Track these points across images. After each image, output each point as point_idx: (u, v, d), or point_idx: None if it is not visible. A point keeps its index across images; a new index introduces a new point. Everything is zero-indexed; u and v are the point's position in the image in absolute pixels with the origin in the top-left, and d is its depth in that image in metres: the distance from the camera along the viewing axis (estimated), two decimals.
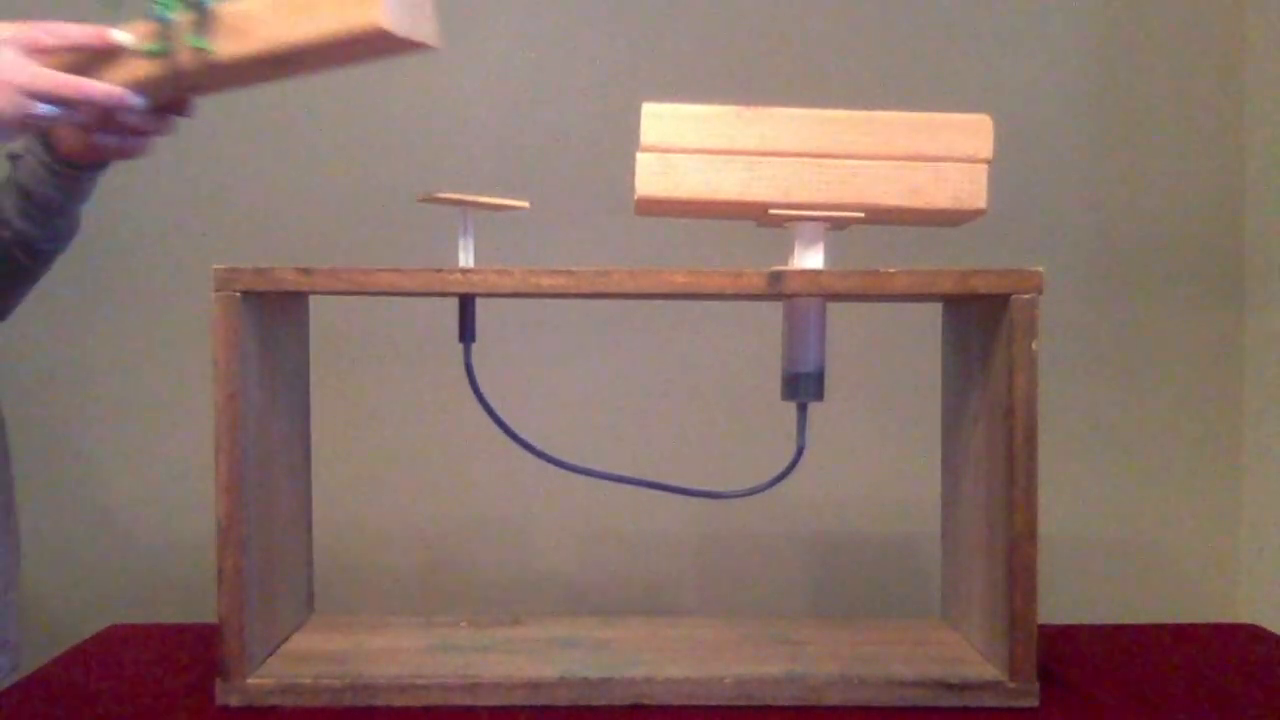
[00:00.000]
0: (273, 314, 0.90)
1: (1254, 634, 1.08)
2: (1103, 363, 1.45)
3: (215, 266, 0.83)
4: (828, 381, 0.92)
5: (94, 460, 1.45)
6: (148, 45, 0.79)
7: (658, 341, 1.44)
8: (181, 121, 0.88)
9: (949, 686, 0.85)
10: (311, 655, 0.92)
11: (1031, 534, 0.84)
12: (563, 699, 0.85)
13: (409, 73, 1.24)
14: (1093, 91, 1.44)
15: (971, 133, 0.86)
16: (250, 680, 0.85)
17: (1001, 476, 0.86)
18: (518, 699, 0.85)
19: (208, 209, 1.42)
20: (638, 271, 0.83)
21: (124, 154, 0.89)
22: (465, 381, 0.96)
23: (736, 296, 0.88)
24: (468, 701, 0.85)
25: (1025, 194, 1.41)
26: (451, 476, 1.44)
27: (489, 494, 1.45)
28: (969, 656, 0.92)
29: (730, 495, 0.98)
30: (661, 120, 0.85)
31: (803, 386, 0.92)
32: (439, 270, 0.84)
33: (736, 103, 0.85)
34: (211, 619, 0.85)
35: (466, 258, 0.88)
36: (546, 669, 0.87)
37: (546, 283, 0.83)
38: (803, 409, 0.94)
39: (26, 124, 0.79)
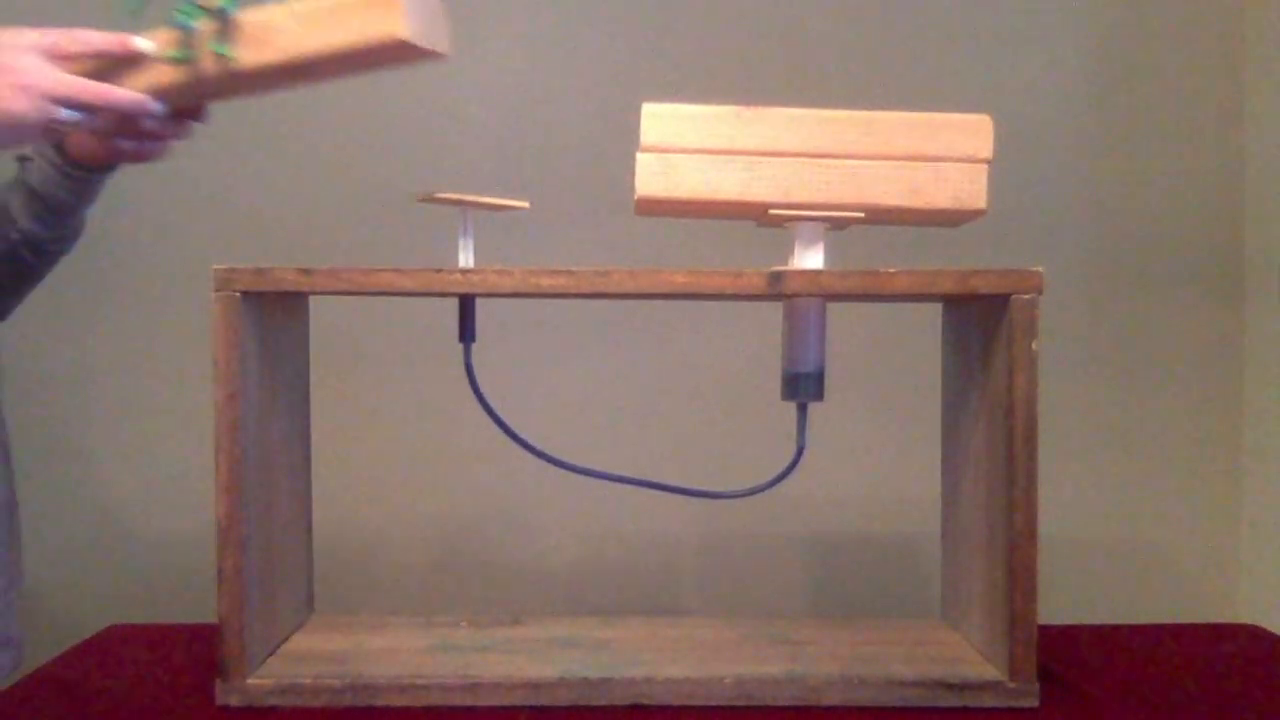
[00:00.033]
0: (273, 314, 0.90)
1: (1254, 634, 1.08)
2: (1103, 363, 1.45)
3: (215, 266, 0.83)
4: (828, 381, 0.92)
5: (94, 460, 1.45)
6: (170, 52, 0.80)
7: (658, 341, 1.44)
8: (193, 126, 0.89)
9: (949, 686, 0.85)
10: (311, 655, 0.92)
11: (1031, 534, 0.84)
12: (563, 699, 0.85)
13: (409, 73, 1.23)
14: (1093, 91, 1.44)
15: (971, 133, 0.86)
16: (250, 680, 0.85)
17: (1001, 476, 0.86)
18: (518, 699, 0.85)
19: (208, 209, 1.42)
20: (638, 271, 0.83)
21: (139, 158, 0.91)
22: (465, 381, 0.96)
23: (736, 296, 0.88)
24: (468, 701, 0.85)
25: (1025, 194, 1.41)
26: (451, 476, 1.44)
27: (489, 494, 1.45)
28: (969, 656, 0.92)
29: (730, 495, 0.98)
30: (661, 120, 0.85)
31: (803, 386, 0.92)
32: (439, 270, 0.84)
33: (736, 103, 0.85)
34: (211, 619, 0.85)
35: (466, 258, 0.88)
36: (546, 669, 0.87)
37: (546, 283, 0.83)
38: (803, 409, 0.94)
39: (50, 129, 0.80)
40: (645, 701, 0.85)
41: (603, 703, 0.85)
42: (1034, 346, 0.83)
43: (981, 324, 0.90)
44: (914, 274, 0.83)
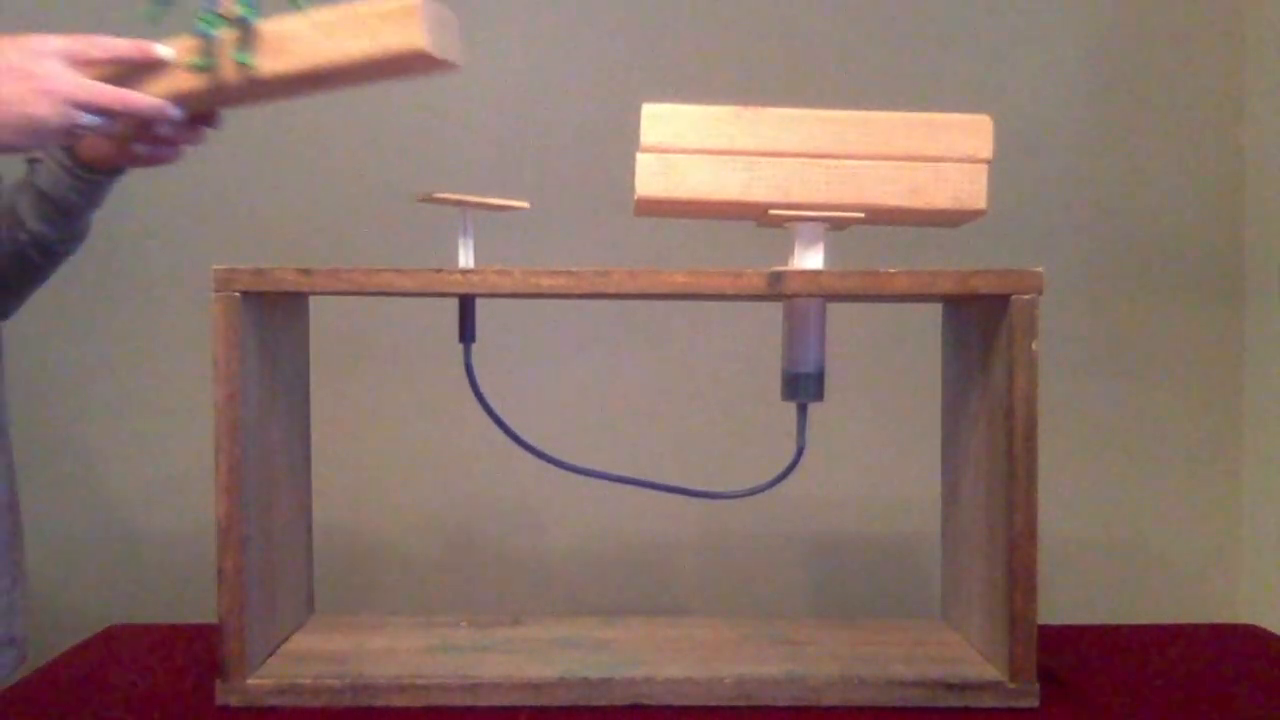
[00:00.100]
0: (273, 314, 0.90)
1: (1254, 634, 1.08)
2: (1103, 363, 1.45)
3: (215, 266, 0.83)
4: (828, 381, 0.92)
5: (94, 460, 1.45)
6: (191, 60, 0.82)
7: (658, 341, 1.44)
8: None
9: (949, 687, 0.85)
10: (311, 655, 0.92)
11: (1031, 534, 0.84)
12: (563, 699, 0.85)
13: None
14: (1093, 91, 1.44)
15: (971, 133, 0.86)
16: (250, 680, 0.85)
17: (1001, 476, 0.86)
18: (518, 699, 0.85)
19: (208, 209, 1.42)
20: (638, 271, 0.83)
21: (152, 161, 0.92)
22: (465, 381, 0.96)
23: (736, 296, 0.88)
24: (468, 701, 0.85)
25: (1025, 194, 1.42)
26: (451, 476, 1.44)
27: (489, 494, 1.45)
28: (969, 656, 0.92)
29: (730, 495, 0.98)
30: (661, 120, 0.85)
31: (803, 386, 0.92)
32: (439, 270, 0.84)
33: (736, 103, 0.85)
34: (211, 619, 0.85)
35: (466, 258, 0.88)
36: (546, 669, 0.87)
37: (546, 283, 0.83)
38: (803, 409, 0.94)
39: (71, 133, 0.82)
40: (645, 701, 0.85)
41: (603, 703, 0.85)
42: (1034, 346, 0.83)
43: (981, 324, 0.90)
44: (914, 274, 0.83)
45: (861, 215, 0.86)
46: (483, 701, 0.85)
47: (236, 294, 0.82)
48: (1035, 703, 0.85)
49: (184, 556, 1.42)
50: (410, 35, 0.76)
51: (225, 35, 0.81)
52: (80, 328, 1.43)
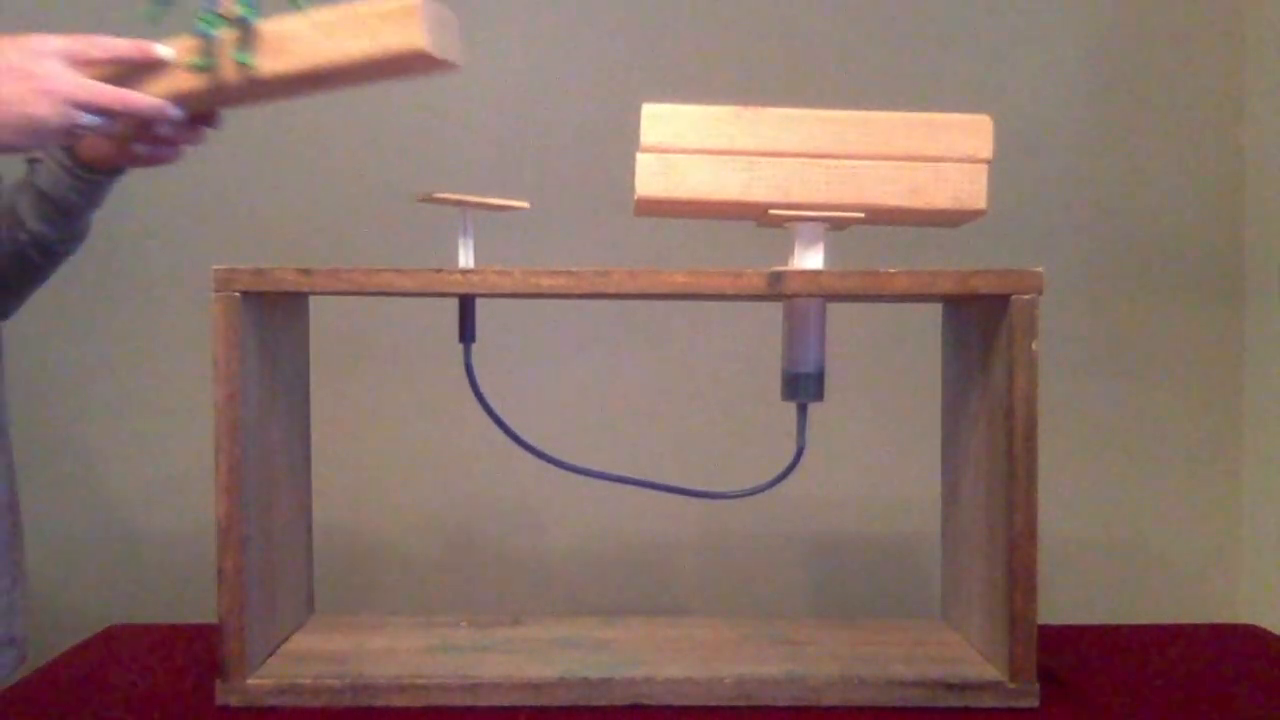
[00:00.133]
0: (273, 314, 0.90)
1: (1254, 634, 1.08)
2: (1103, 363, 1.45)
3: (215, 266, 0.83)
4: (828, 381, 0.92)
5: (94, 460, 1.45)
6: (192, 60, 0.82)
7: (658, 341, 1.44)
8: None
9: (949, 687, 0.85)
10: (311, 655, 0.92)
11: (1031, 534, 0.84)
12: (563, 699, 0.85)
13: None
14: (1093, 91, 1.44)
15: (971, 133, 0.86)
16: (250, 680, 0.85)
17: (1001, 476, 0.86)
18: (518, 699, 0.85)
19: (208, 209, 1.42)
20: (638, 271, 0.83)
21: (152, 161, 0.92)
22: (465, 381, 0.96)
23: (736, 296, 0.88)
24: (468, 701, 0.85)
25: (1025, 194, 1.41)
26: (451, 477, 1.44)
27: (489, 494, 1.45)
28: (969, 656, 0.92)
29: (730, 495, 0.98)
30: (661, 120, 0.85)
31: (803, 386, 0.92)
32: (439, 270, 0.84)
33: (736, 103, 0.85)
34: (211, 619, 0.85)
35: (466, 258, 0.88)
36: (546, 669, 0.87)
37: (546, 283, 0.83)
38: (803, 409, 0.94)
39: (71, 133, 0.82)
40: (645, 701, 0.85)
41: (603, 703, 0.85)
42: (1034, 346, 0.83)
43: (981, 324, 0.90)
44: (914, 274, 0.83)
45: (861, 215, 0.86)
46: (483, 701, 0.85)
47: (236, 294, 0.82)
48: (1035, 703, 0.85)
49: (184, 556, 1.42)
50: (410, 35, 0.76)
51: (225, 35, 0.81)
52: (80, 328, 1.43)
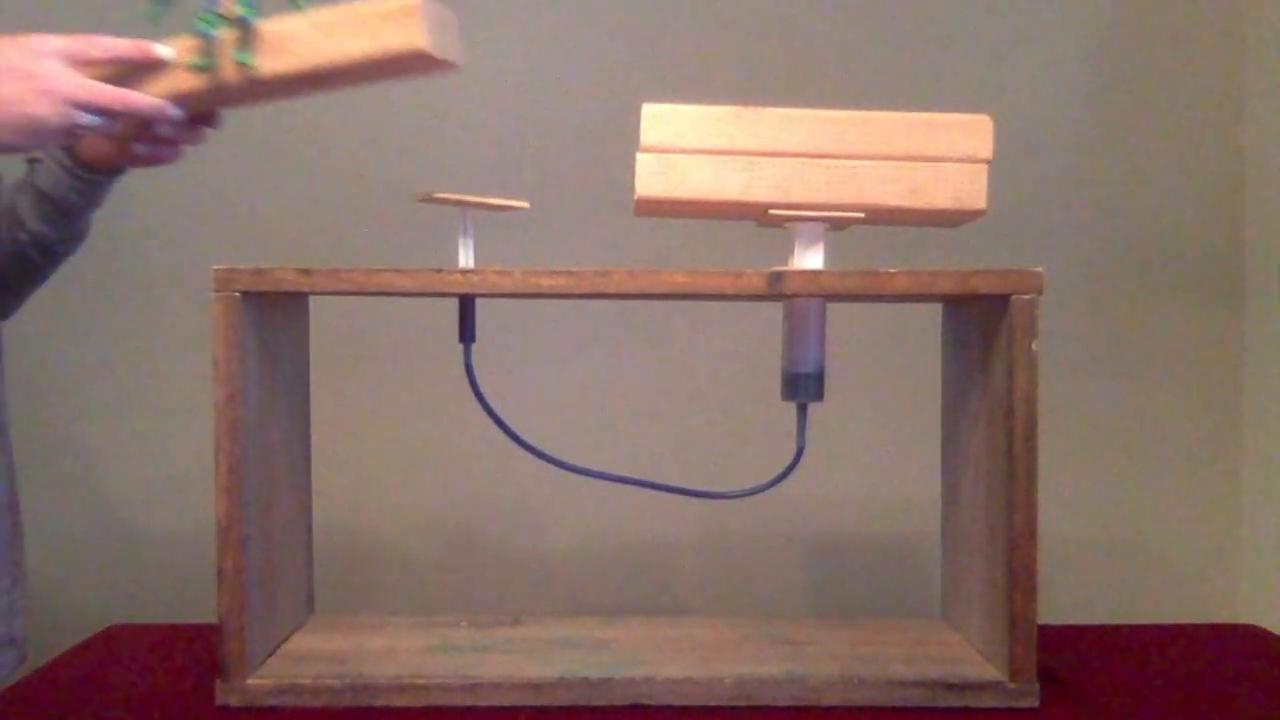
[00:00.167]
0: (273, 314, 0.90)
1: (1254, 634, 1.08)
2: (1103, 363, 1.45)
3: (215, 266, 0.83)
4: (828, 381, 0.92)
5: (94, 460, 1.45)
6: (192, 60, 0.82)
7: (658, 341, 1.44)
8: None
9: (949, 687, 0.85)
10: (311, 655, 0.92)
11: (1031, 534, 0.84)
12: (563, 699, 0.85)
13: None
14: (1093, 91, 1.44)
15: (971, 133, 0.86)
16: (250, 680, 0.85)
17: (1001, 476, 0.86)
18: (518, 699, 0.85)
19: (208, 209, 1.42)
20: (638, 271, 0.83)
21: (152, 161, 0.92)
22: (465, 381, 0.96)
23: (736, 297, 0.88)
24: (468, 701, 0.85)
25: (1025, 194, 1.41)
26: (451, 477, 1.44)
27: (489, 494, 1.45)
28: (969, 656, 0.92)
29: (730, 495, 0.98)
30: (661, 120, 0.85)
31: (803, 386, 0.92)
32: (439, 270, 0.84)
33: (736, 103, 0.85)
34: (211, 619, 0.85)
35: (466, 258, 0.88)
36: (546, 669, 0.87)
37: (546, 283, 0.83)
38: (803, 409, 0.94)
39: (72, 133, 0.82)
40: (645, 701, 0.85)
41: (603, 703, 0.85)
42: (1034, 346, 0.83)
43: (981, 324, 0.90)
44: (914, 274, 0.83)
45: (861, 215, 0.86)
46: (483, 701, 0.85)
47: (236, 294, 0.82)
48: (1035, 703, 0.85)
49: (184, 556, 1.42)
50: (410, 35, 0.76)
51: (225, 35, 0.81)
52: (80, 328, 1.43)
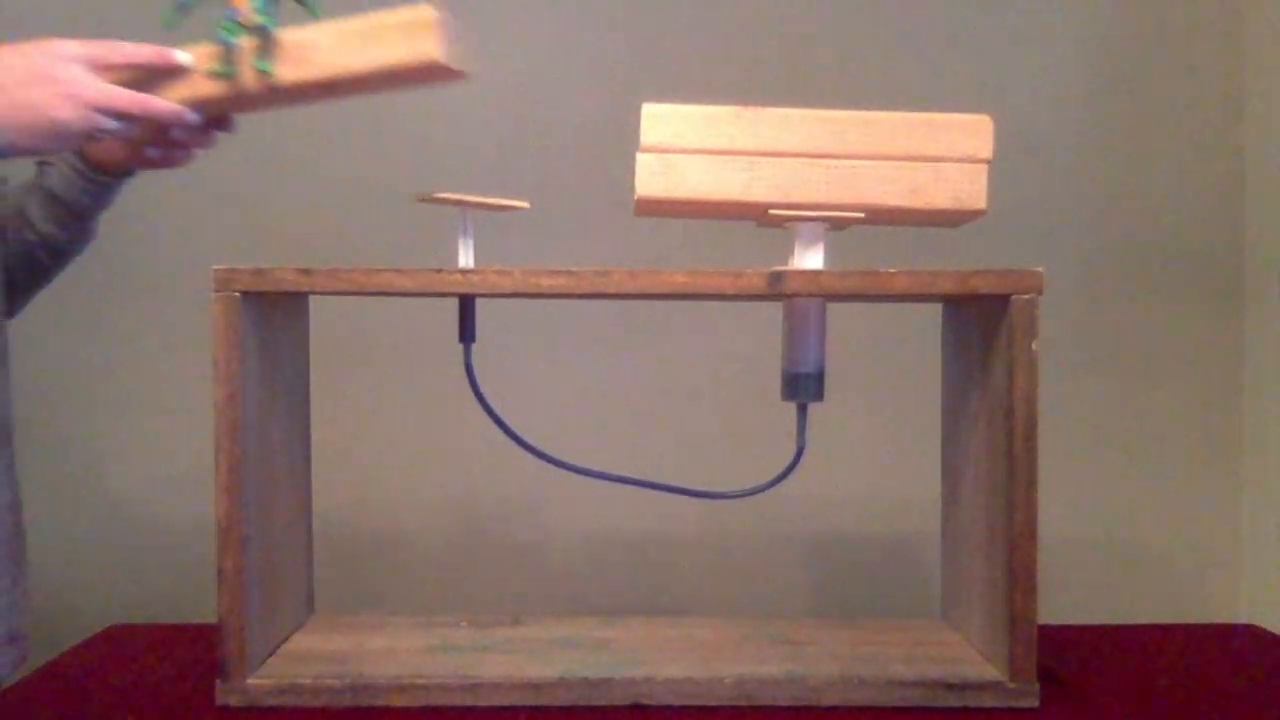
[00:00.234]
0: (273, 314, 0.90)
1: (1254, 634, 1.08)
2: (1103, 363, 1.45)
3: (215, 266, 0.83)
4: (828, 381, 0.92)
5: (94, 460, 1.45)
6: (212, 67, 0.83)
7: (658, 341, 1.44)
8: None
9: (949, 687, 0.85)
10: (311, 655, 0.92)
11: (1031, 534, 0.84)
12: (563, 699, 0.85)
13: None
14: (1093, 91, 1.44)
15: (971, 133, 0.86)
16: (250, 680, 0.85)
17: (1001, 476, 0.86)
18: (518, 699, 0.85)
19: (208, 209, 1.42)
20: (638, 271, 0.83)
21: (164, 164, 0.94)
22: (465, 381, 0.96)
23: (736, 296, 0.88)
24: (468, 701, 0.85)
25: (1025, 194, 1.41)
26: (451, 477, 1.44)
27: (489, 494, 1.45)
28: (969, 656, 0.92)
29: (730, 495, 0.98)
30: (661, 120, 0.85)
31: (803, 387, 0.92)
32: (439, 270, 0.84)
33: (736, 103, 0.85)
34: (211, 619, 0.85)
35: (466, 258, 0.88)
36: (546, 669, 0.87)
37: (546, 283, 0.83)
38: (803, 409, 0.94)
39: (92, 137, 0.83)
40: (645, 701, 0.85)
41: (603, 703, 0.85)
42: (1034, 346, 0.83)
43: (981, 324, 0.90)
44: (914, 274, 0.83)
45: (861, 215, 0.86)
46: (483, 701, 0.85)
47: (236, 294, 0.82)
48: (1035, 703, 0.85)
49: (184, 556, 1.41)
50: (427, 47, 0.78)
51: (245, 43, 0.82)
52: (80, 328, 1.43)
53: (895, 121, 0.86)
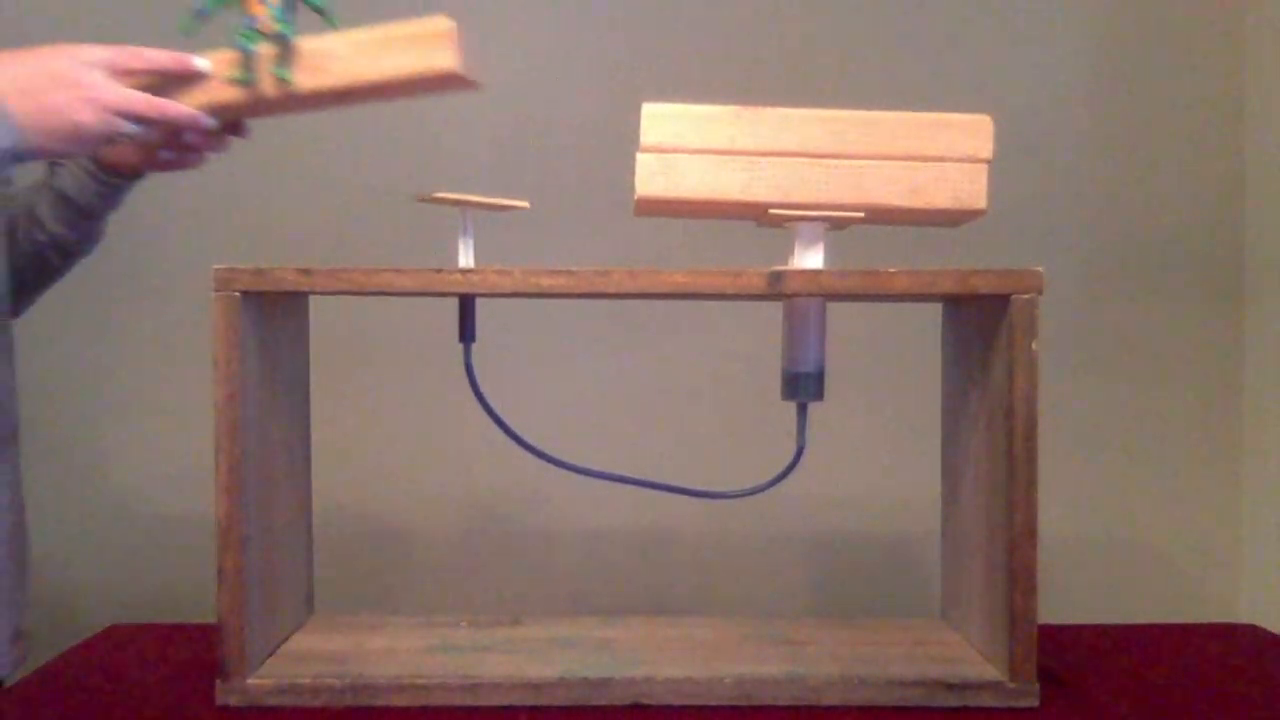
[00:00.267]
0: (273, 314, 0.90)
1: (1254, 634, 1.08)
2: (1103, 363, 1.45)
3: (215, 266, 0.83)
4: (828, 381, 0.92)
5: (93, 459, 1.45)
6: (231, 73, 0.85)
7: (658, 341, 1.44)
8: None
9: (949, 686, 0.85)
10: (311, 655, 0.92)
11: (1031, 534, 0.84)
12: (563, 699, 0.85)
13: None
14: (1093, 91, 1.44)
15: (971, 133, 0.86)
16: (250, 680, 0.85)
17: (1001, 476, 0.86)
18: (518, 699, 0.85)
19: (208, 209, 1.42)
20: (638, 271, 0.83)
21: (176, 167, 0.95)
22: (465, 381, 0.96)
23: (736, 296, 0.88)
24: (468, 701, 0.85)
25: (1025, 194, 1.41)
26: (451, 476, 1.44)
27: (489, 494, 1.45)
28: (969, 656, 0.92)
29: (730, 495, 0.98)
30: (661, 120, 0.85)
31: (803, 386, 0.92)
32: (439, 270, 0.84)
33: (736, 103, 0.85)
34: (211, 619, 0.85)
35: (466, 258, 0.88)
36: (546, 669, 0.87)
37: (546, 283, 0.83)
38: (803, 409, 0.94)
39: (111, 140, 0.85)
40: (645, 701, 0.85)
41: (603, 703, 0.85)
42: (1034, 346, 0.83)
43: (981, 324, 0.90)
44: (914, 274, 0.83)
45: (861, 215, 0.86)
46: (483, 701, 0.85)
47: (236, 294, 0.83)
48: (1035, 703, 0.85)
49: (184, 556, 1.41)
50: (443, 58, 0.80)
51: (264, 51, 0.84)
52: (80, 328, 1.43)
53: (895, 121, 0.86)
